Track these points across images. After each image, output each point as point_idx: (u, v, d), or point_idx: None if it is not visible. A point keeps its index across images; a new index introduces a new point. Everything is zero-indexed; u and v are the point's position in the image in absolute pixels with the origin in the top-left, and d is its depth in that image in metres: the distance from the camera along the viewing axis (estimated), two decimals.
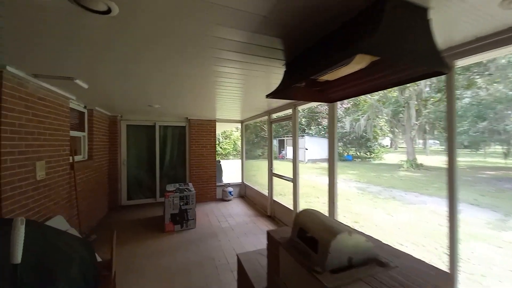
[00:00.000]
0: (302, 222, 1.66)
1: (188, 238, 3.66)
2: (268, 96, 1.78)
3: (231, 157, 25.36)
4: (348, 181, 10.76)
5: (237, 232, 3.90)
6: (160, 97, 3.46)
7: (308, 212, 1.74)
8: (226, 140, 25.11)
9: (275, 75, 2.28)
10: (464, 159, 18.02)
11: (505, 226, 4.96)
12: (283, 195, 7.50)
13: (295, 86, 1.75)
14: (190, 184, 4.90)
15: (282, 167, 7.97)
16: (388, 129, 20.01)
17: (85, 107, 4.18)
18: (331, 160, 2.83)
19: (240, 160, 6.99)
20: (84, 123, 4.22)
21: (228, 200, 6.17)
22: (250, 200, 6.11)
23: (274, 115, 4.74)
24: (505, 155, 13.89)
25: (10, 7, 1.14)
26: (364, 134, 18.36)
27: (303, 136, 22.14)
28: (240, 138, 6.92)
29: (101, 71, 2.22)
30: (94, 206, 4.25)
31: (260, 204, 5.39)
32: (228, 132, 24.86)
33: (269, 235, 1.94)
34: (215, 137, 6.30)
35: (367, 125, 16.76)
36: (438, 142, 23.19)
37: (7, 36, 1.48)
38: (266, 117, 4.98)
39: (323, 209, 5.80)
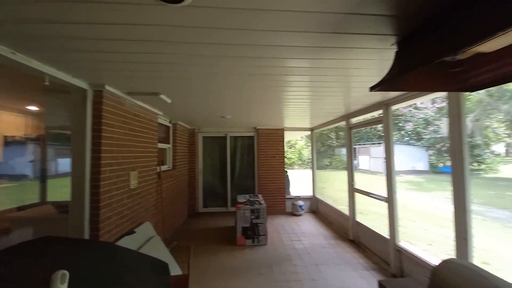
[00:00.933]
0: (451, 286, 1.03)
1: (261, 257, 3.38)
2: (373, 88, 1.29)
3: (296, 167, 24.62)
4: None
5: (315, 258, 3.35)
6: (232, 107, 3.44)
7: (459, 268, 1.10)
8: (291, 150, 24.63)
9: (365, 63, 1.74)
10: None
11: None
12: (364, 214, 6.38)
13: (414, 71, 1.20)
14: (260, 196, 4.70)
15: (359, 180, 6.85)
16: (507, 133, 14.89)
17: (170, 121, 4.66)
18: (457, 176, 1.98)
19: (307, 171, 6.41)
20: (169, 136, 4.71)
21: (299, 215, 5.66)
22: (324, 217, 5.40)
23: (354, 120, 4.03)
24: None
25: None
26: (470, 139, 14.24)
27: (380, 143, 19.25)
28: (306, 147, 6.35)
29: (182, 85, 2.27)
30: (176, 212, 4.60)
31: (338, 224, 4.64)
32: (293, 141, 24.37)
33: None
34: (284, 146, 6.00)
35: (475, 128, 12.92)
36: None
37: (106, 59, 1.60)
38: (343, 123, 4.31)
39: (429, 239, 4.46)
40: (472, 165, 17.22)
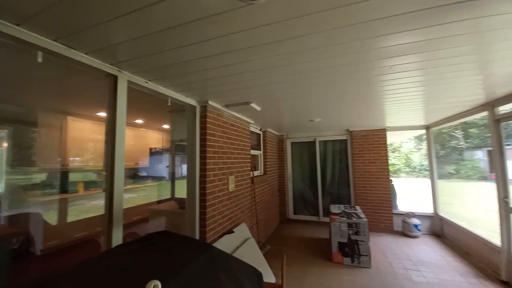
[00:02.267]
0: None
1: (363, 283, 2.86)
2: None
3: (402, 175, 20.30)
4: None
5: None
6: (320, 108, 3.19)
7: None
8: (395, 154, 20.62)
9: None
10: None
11: None
12: None
13: None
14: (358, 208, 4.09)
15: None
16: None
17: (260, 129, 4.94)
18: None
19: (418, 180, 5.01)
20: (260, 143, 4.98)
21: (413, 237, 4.49)
22: (454, 244, 4.01)
23: (505, 108, 2.78)
24: None
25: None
26: None
27: None
28: (416, 150, 4.98)
29: (269, 91, 2.30)
30: (269, 217, 4.75)
31: (479, 257, 3.30)
32: (397, 145, 20.32)
33: None
34: (387, 150, 5.02)
35: None
36: None
37: (210, 75, 1.85)
38: (482, 114, 3.09)
39: None
40: None
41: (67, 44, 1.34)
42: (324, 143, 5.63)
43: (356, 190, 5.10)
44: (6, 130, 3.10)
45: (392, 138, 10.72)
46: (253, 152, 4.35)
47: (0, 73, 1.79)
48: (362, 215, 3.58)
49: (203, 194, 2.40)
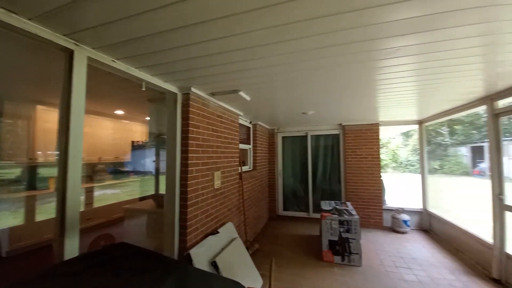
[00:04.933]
0: None
1: (356, 283, 2.74)
2: None
3: (389, 170, 20.74)
4: None
5: None
6: (315, 100, 2.99)
7: None
8: (383, 150, 21.01)
9: None
10: None
11: None
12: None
13: None
14: (349, 204, 3.98)
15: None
16: None
17: (250, 122, 4.69)
18: None
19: (405, 175, 4.98)
20: (249, 137, 4.75)
21: (403, 233, 4.46)
22: (444, 240, 4.00)
23: (505, 102, 2.68)
24: None
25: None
26: None
27: None
28: (403, 146, 4.93)
29: (261, 78, 2.06)
30: (257, 214, 4.57)
31: (471, 253, 3.27)
32: (385, 140, 20.69)
33: None
34: (379, 145, 4.92)
35: None
36: None
37: (195, 62, 1.58)
38: (481, 107, 2.99)
39: None
40: None
41: (4, 7, 1.05)
42: (316, 137, 5.47)
43: (347, 186, 5.00)
44: None
45: (381, 134, 10.76)
46: (241, 146, 4.11)
47: None
48: (354, 212, 3.46)
49: (184, 192, 2.16)
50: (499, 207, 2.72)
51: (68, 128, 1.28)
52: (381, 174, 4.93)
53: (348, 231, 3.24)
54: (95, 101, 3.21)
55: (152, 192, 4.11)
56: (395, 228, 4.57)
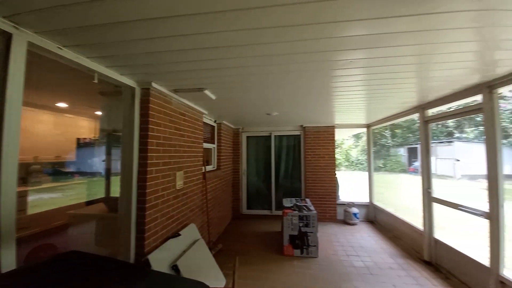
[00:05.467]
0: None
1: (313, 274, 2.95)
2: None
3: (343, 168, 22.80)
4: None
5: (381, 281, 2.75)
6: (280, 103, 3.12)
7: None
8: (337, 150, 22.98)
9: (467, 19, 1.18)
10: None
11: None
12: (439, 227, 5.19)
13: None
14: (308, 200, 4.25)
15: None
16: None
17: (215, 121, 4.62)
18: None
19: (355, 173, 5.61)
20: (214, 136, 4.67)
21: (353, 224, 4.96)
22: (386, 228, 4.59)
23: (433, 111, 3.22)
24: None
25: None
26: None
27: (450, 142, 16.25)
28: (354, 146, 5.54)
29: (228, 78, 2.07)
30: (221, 213, 4.53)
31: (407, 240, 3.84)
32: (339, 141, 22.67)
33: None
34: (334, 146, 5.38)
35: None
36: None
37: (155, 56, 1.48)
38: (415, 115, 3.52)
39: None
40: None
41: None
42: (280, 138, 5.69)
43: (306, 184, 5.33)
44: None
45: (336, 135, 11.74)
46: (206, 145, 4.03)
47: None
48: (312, 208, 3.71)
49: (142, 194, 2.02)
50: (428, 199, 3.25)
51: (2, 122, 1.08)
52: (336, 172, 5.40)
53: (307, 225, 3.46)
54: (33, 91, 2.76)
55: (102, 195, 3.72)
56: (347, 220, 5.06)
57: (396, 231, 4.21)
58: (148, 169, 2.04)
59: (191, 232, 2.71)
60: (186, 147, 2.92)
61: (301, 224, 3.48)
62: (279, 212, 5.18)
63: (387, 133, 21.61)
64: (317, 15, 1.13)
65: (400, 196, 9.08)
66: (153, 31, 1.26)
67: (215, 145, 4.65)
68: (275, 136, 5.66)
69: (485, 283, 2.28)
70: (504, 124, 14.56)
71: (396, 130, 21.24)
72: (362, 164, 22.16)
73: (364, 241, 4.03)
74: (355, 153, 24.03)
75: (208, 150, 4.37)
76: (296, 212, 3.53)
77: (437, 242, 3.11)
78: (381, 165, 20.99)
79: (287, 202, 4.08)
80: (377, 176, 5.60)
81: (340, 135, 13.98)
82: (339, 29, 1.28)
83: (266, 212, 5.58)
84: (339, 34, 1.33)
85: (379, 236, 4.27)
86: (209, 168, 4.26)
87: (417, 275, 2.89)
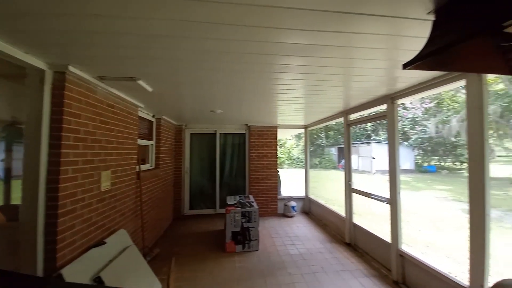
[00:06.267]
0: None
1: (253, 266, 3.07)
2: (408, 65, 1.02)
3: (285, 166, 24.53)
4: (444, 200, 8.39)
5: (312, 265, 3.09)
6: (223, 100, 3.11)
7: None
8: (281, 149, 24.56)
9: (377, 41, 1.48)
10: None
11: None
12: (357, 214, 6.21)
13: (468, 43, 0.93)
14: (251, 197, 4.40)
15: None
16: (491, 132, 15.45)
17: (153, 116, 4.25)
18: (475, 177, 1.77)
19: (297, 170, 6.18)
20: (152, 132, 4.29)
21: (291, 217, 5.41)
22: (317, 218, 5.18)
23: (353, 116, 3.80)
24: None
25: None
26: (454, 139, 14.67)
27: (368, 143, 19.50)
28: (296, 146, 6.10)
29: (169, 70, 1.92)
30: (160, 216, 4.20)
31: (333, 226, 4.42)
32: (283, 141, 24.29)
33: None
34: (277, 145, 5.72)
35: (461, 128, 13.28)
36: None
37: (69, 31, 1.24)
38: (340, 119, 4.08)
39: (426, 241, 4.30)
40: (454, 164, 17.84)
41: None
42: (225, 136, 5.67)
43: (250, 181, 5.50)
44: None
45: (279, 135, 12.50)
46: (142, 142, 3.66)
47: None
48: (254, 203, 3.86)
49: (53, 198, 1.68)
50: (349, 190, 3.82)
51: None
52: (278, 169, 5.76)
53: (249, 221, 3.58)
54: None
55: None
56: (286, 213, 5.47)
57: (325, 220, 4.80)
58: (62, 168, 1.71)
59: (120, 238, 2.42)
60: (116, 143, 2.59)
61: (243, 220, 3.57)
62: (223, 211, 5.18)
63: (323, 134, 24.42)
64: (248, 17, 1.18)
65: (330, 189, 10.39)
66: (62, 5, 1.06)
67: (153, 142, 4.28)
68: (220, 134, 5.61)
69: (389, 257, 2.83)
70: (406, 129, 18.45)
71: (329, 132, 24.22)
72: (302, 162, 24.35)
73: (300, 231, 4.45)
74: (296, 152, 26.16)
75: (144, 148, 3.99)
76: (239, 208, 3.60)
77: (355, 226, 3.70)
78: (317, 163, 23.57)
79: (230, 200, 4.12)
80: (313, 172, 6.28)
81: (283, 135, 15.02)
82: (272, 34, 1.37)
83: (210, 211, 5.48)
84: (273, 39, 1.43)
85: (312, 225, 4.78)
86: (145, 167, 3.89)
87: (339, 256, 3.37)
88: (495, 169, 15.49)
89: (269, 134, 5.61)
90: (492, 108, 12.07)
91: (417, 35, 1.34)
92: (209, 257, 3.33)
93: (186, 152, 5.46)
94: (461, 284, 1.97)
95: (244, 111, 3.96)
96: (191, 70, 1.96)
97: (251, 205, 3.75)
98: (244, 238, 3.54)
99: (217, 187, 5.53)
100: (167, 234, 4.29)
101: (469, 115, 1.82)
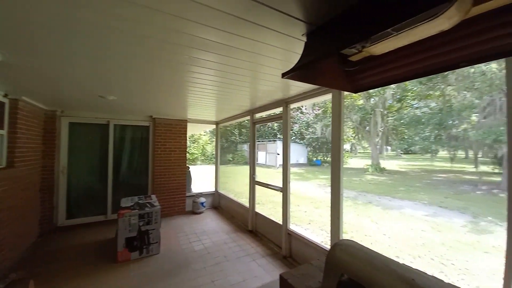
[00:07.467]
0: (345, 265, 1.11)
1: (152, 270, 2.81)
2: (285, 74, 1.20)
3: (199, 162, 24.00)
4: (323, 186, 10.72)
5: (215, 256, 3.18)
6: (119, 85, 2.63)
7: (350, 248, 1.20)
8: (194, 145, 23.75)
9: (274, 52, 1.71)
10: (416, 163, 19.93)
11: (481, 229, 5.16)
12: (261, 204, 6.95)
13: (322, 63, 1.21)
14: (153, 196, 4.01)
15: (259, 173, 7.42)
16: (353, 135, 21.13)
17: (5, 95, 3.05)
18: (336, 167, 2.36)
19: (210, 166, 6.24)
20: (3, 118, 3.08)
21: (200, 213, 5.35)
22: (226, 211, 5.39)
23: (258, 115, 4.17)
24: (451, 159, 15.70)
25: None
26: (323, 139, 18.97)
27: (275, 141, 22.09)
28: (210, 142, 6.16)
29: (11, 33, 1.38)
30: (17, 230, 3.09)
31: (239, 217, 4.73)
32: (196, 136, 23.57)
33: (285, 281, 1.36)
34: (186, 140, 5.47)
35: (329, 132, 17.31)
36: (389, 148, 25.19)
37: None
38: (247, 118, 4.39)
39: (309, 219, 5.29)
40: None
41: None
42: (122, 128, 4.84)
43: (155, 179, 5.00)
44: None
45: (193, 130, 12.08)
46: None
47: None
48: (156, 203, 3.54)
49: None
50: (252, 182, 4.18)
51: None
52: (188, 165, 5.52)
53: (148, 223, 3.24)
54: None
55: None
56: (194, 210, 5.35)
57: (233, 212, 5.06)
58: None
59: None
60: None
61: (141, 223, 3.19)
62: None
63: (236, 131, 25.55)
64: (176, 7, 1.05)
65: (240, 183, 11.07)
66: None
67: (4, 132, 3.09)
68: (115, 125, 4.74)
69: (281, 237, 3.31)
70: (302, 130, 22.14)
71: (242, 130, 25.66)
72: (216, 158, 24.54)
73: (207, 225, 4.47)
74: (210, 148, 26.09)
75: None
76: (136, 211, 3.19)
77: (257, 214, 4.10)
78: (230, 159, 24.44)
79: (126, 202, 3.58)
80: (226, 168, 6.47)
81: (196, 130, 14.56)
82: (179, 24, 1.28)
83: (99, 218, 4.55)
84: (182, 30, 1.34)
85: (220, 219, 4.92)
86: None
87: (242, 243, 3.64)
88: (355, 162, 21.42)
89: (178, 128, 5.28)
90: (355, 118, 16.49)
91: (300, 52, 1.61)
92: (95, 271, 2.77)
93: (62, 145, 4.26)
94: (325, 248, 2.58)
95: (148, 101, 3.52)
96: (60, 41, 1.52)
97: (152, 206, 3.41)
98: (142, 242, 3.18)
99: (110, 188, 4.66)
100: (34, 253, 3.23)
101: (333, 121, 2.39)
